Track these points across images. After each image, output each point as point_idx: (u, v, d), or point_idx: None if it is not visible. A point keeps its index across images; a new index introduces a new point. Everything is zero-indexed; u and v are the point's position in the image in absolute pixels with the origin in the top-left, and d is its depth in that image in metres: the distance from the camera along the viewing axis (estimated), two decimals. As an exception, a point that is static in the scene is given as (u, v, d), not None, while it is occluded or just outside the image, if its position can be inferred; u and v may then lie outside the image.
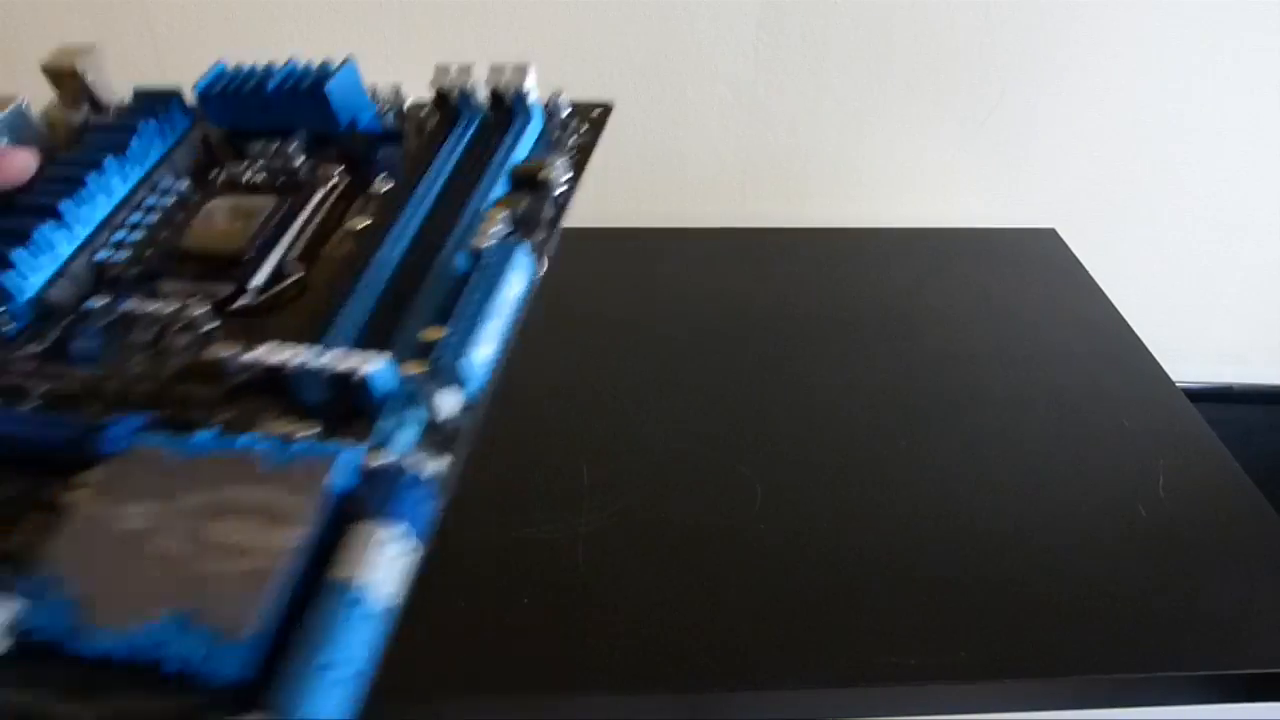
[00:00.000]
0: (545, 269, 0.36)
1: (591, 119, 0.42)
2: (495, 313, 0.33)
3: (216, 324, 0.36)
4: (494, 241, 0.36)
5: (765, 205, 0.89)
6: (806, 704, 0.55)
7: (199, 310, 0.36)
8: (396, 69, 0.44)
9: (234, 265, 0.37)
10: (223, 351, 0.32)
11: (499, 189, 0.38)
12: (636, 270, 0.85)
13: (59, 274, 0.37)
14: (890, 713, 0.55)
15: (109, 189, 0.38)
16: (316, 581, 0.26)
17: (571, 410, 0.69)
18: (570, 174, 0.39)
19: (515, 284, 0.34)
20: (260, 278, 0.37)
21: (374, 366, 0.31)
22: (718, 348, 0.78)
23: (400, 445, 0.30)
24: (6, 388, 0.35)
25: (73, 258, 0.37)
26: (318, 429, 0.31)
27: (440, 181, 0.38)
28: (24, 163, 0.37)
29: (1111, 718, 0.56)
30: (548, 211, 0.38)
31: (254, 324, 0.36)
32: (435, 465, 0.30)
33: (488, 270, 0.34)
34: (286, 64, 0.41)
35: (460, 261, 0.35)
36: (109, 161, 0.38)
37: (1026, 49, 0.81)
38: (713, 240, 0.85)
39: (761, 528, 0.61)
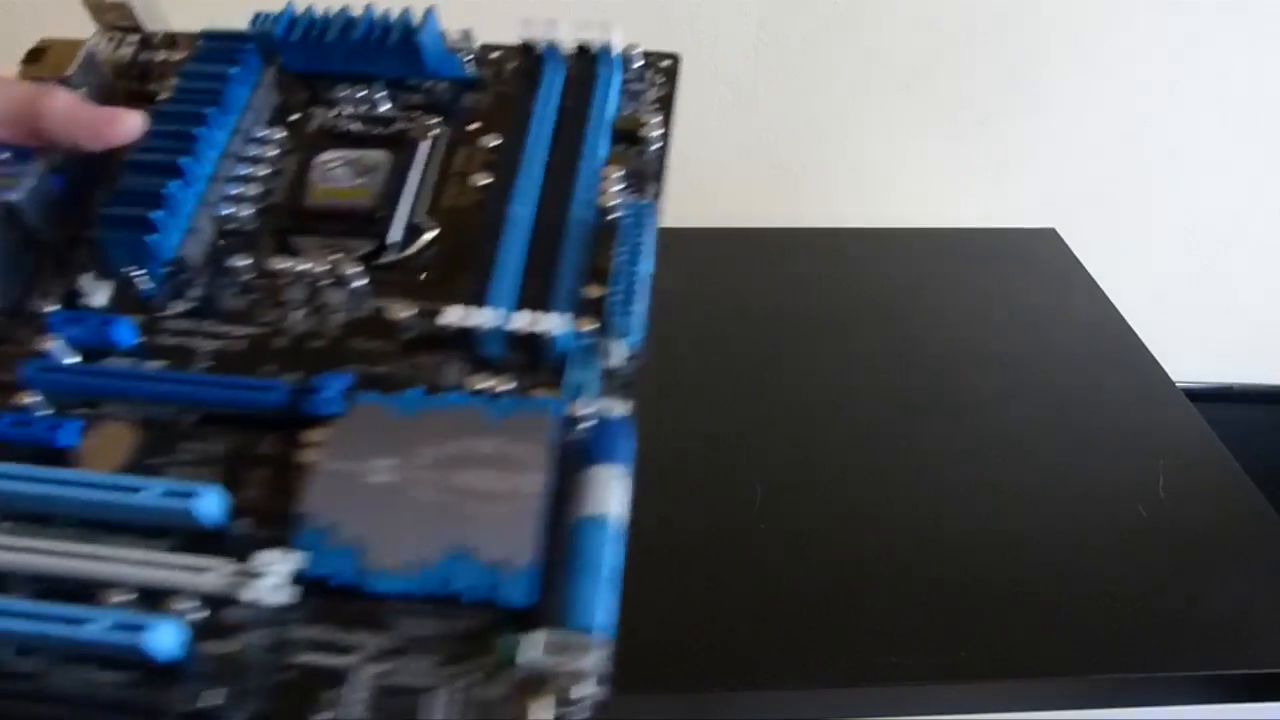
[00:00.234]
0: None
1: (664, 69, 0.45)
2: (645, 270, 0.36)
3: (364, 280, 0.38)
4: (619, 200, 0.39)
5: (765, 205, 0.90)
6: (806, 704, 0.56)
7: (350, 268, 0.38)
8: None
9: (369, 221, 0.39)
10: (403, 311, 0.37)
11: (603, 145, 0.41)
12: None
13: (187, 232, 0.38)
14: (890, 713, 0.56)
15: (214, 142, 0.40)
16: (558, 518, 0.32)
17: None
18: (662, 130, 0.42)
19: (651, 242, 0.37)
20: (396, 233, 0.39)
21: (560, 325, 0.35)
22: (717, 348, 0.80)
23: (590, 394, 0.34)
24: (170, 349, 0.37)
25: (195, 214, 0.39)
26: (513, 384, 0.35)
27: (545, 137, 0.41)
28: (135, 123, 0.39)
29: (1111, 718, 0.58)
30: (652, 165, 0.42)
31: (403, 280, 0.39)
32: (623, 409, 0.34)
33: (626, 229, 0.38)
34: (365, 11, 0.43)
35: (590, 218, 0.38)
36: (211, 113, 0.40)
37: (1027, 49, 0.83)
38: (713, 240, 0.87)
39: (761, 528, 0.63)
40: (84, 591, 0.30)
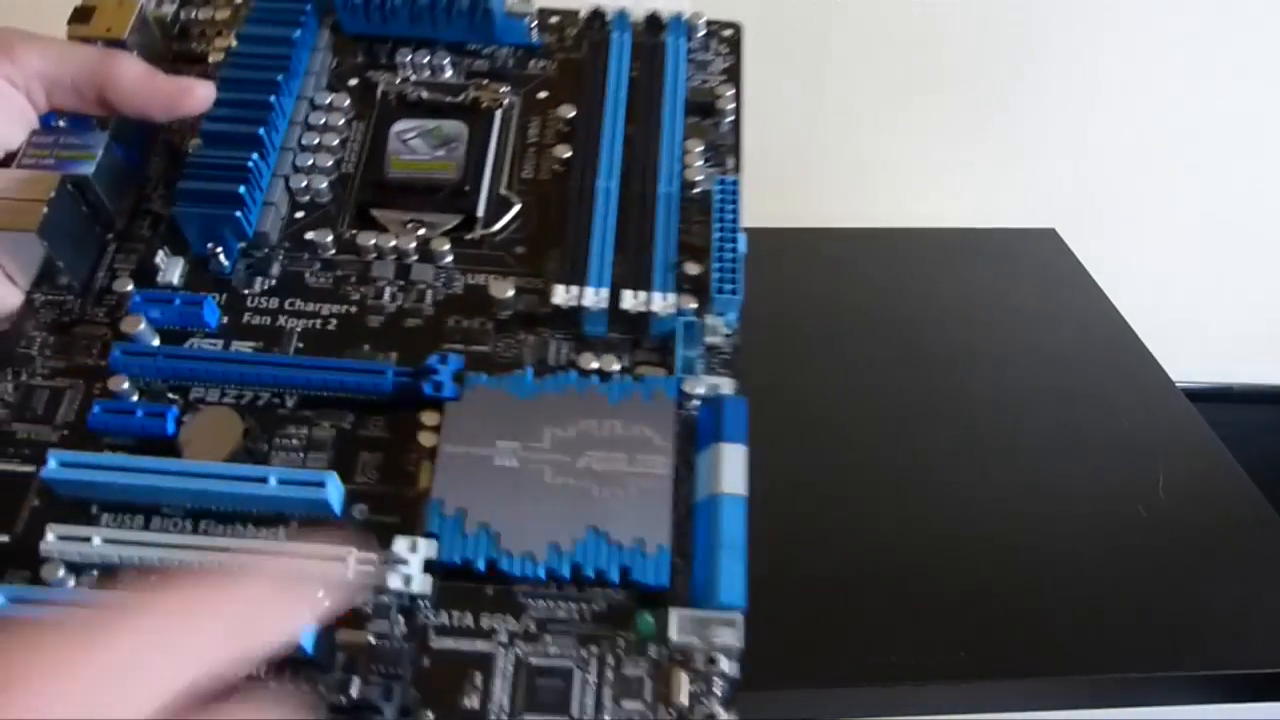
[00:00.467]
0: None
1: (727, 39, 0.46)
2: (739, 245, 0.38)
3: (450, 256, 0.39)
4: (701, 175, 0.41)
5: (765, 205, 0.91)
6: (806, 704, 0.57)
7: (439, 243, 0.39)
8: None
9: (456, 195, 0.39)
10: (505, 289, 0.37)
11: (679, 117, 0.42)
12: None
13: (263, 205, 0.39)
14: (890, 713, 0.57)
15: (285, 110, 0.40)
16: (684, 495, 0.33)
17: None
18: (735, 103, 0.43)
19: (739, 213, 0.39)
20: (481, 208, 0.40)
21: (667, 306, 0.36)
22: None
23: (698, 372, 0.36)
24: (256, 329, 0.37)
25: (270, 187, 0.39)
26: (620, 363, 0.36)
27: (621, 108, 0.42)
28: (208, 93, 0.38)
29: (1111, 718, 0.59)
30: (728, 138, 0.43)
31: (492, 255, 0.39)
32: (730, 384, 0.36)
33: (719, 205, 0.39)
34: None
35: (674, 193, 0.39)
36: (282, 80, 0.40)
37: (1027, 49, 0.84)
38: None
39: (761, 527, 0.63)
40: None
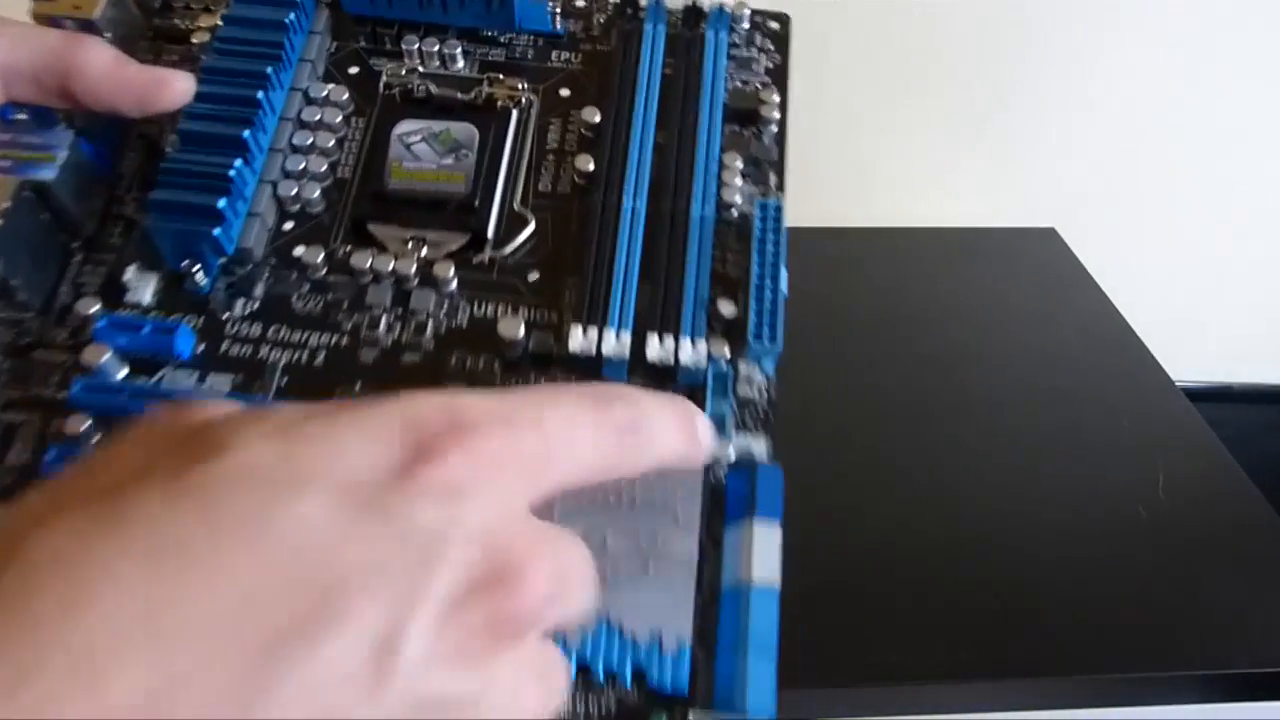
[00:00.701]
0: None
1: (773, 34, 0.39)
2: (781, 284, 0.31)
3: (455, 281, 0.32)
4: (740, 195, 0.34)
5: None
6: (806, 704, 0.53)
7: (444, 266, 0.32)
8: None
9: (464, 210, 0.33)
10: (512, 330, 0.31)
11: (717, 125, 0.35)
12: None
13: (248, 216, 0.32)
14: (890, 712, 0.54)
15: (274, 105, 0.33)
16: (710, 575, 0.28)
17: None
18: (780, 111, 0.36)
19: (784, 249, 0.32)
20: (492, 226, 0.33)
21: (697, 357, 0.30)
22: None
23: (728, 431, 0.30)
24: (236, 360, 0.31)
25: (255, 195, 0.32)
26: None
27: (652, 112, 0.35)
28: (185, 87, 0.32)
29: (1111, 718, 0.56)
30: (772, 152, 0.36)
31: (502, 281, 0.33)
32: (763, 445, 0.30)
33: (759, 235, 0.32)
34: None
35: (710, 216, 0.33)
36: (272, 72, 0.33)
37: (1026, 49, 0.80)
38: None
39: None
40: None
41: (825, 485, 0.63)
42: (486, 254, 0.33)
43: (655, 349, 0.30)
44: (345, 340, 0.31)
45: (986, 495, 0.63)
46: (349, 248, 0.32)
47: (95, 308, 0.30)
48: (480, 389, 0.24)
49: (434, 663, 0.19)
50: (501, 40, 0.37)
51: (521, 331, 0.30)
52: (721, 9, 0.37)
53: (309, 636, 0.18)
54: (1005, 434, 0.68)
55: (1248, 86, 0.82)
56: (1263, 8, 0.78)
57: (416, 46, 0.36)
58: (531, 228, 0.33)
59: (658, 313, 0.31)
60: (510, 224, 0.33)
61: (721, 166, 0.34)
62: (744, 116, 0.36)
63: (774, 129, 0.36)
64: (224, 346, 0.30)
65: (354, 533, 0.19)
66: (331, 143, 0.34)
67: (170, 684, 0.17)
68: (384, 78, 0.35)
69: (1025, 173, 0.87)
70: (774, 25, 0.38)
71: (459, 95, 0.35)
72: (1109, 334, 0.76)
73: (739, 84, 0.37)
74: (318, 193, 0.33)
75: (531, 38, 0.37)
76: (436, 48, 0.36)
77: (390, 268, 0.32)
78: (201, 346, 0.30)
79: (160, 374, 0.30)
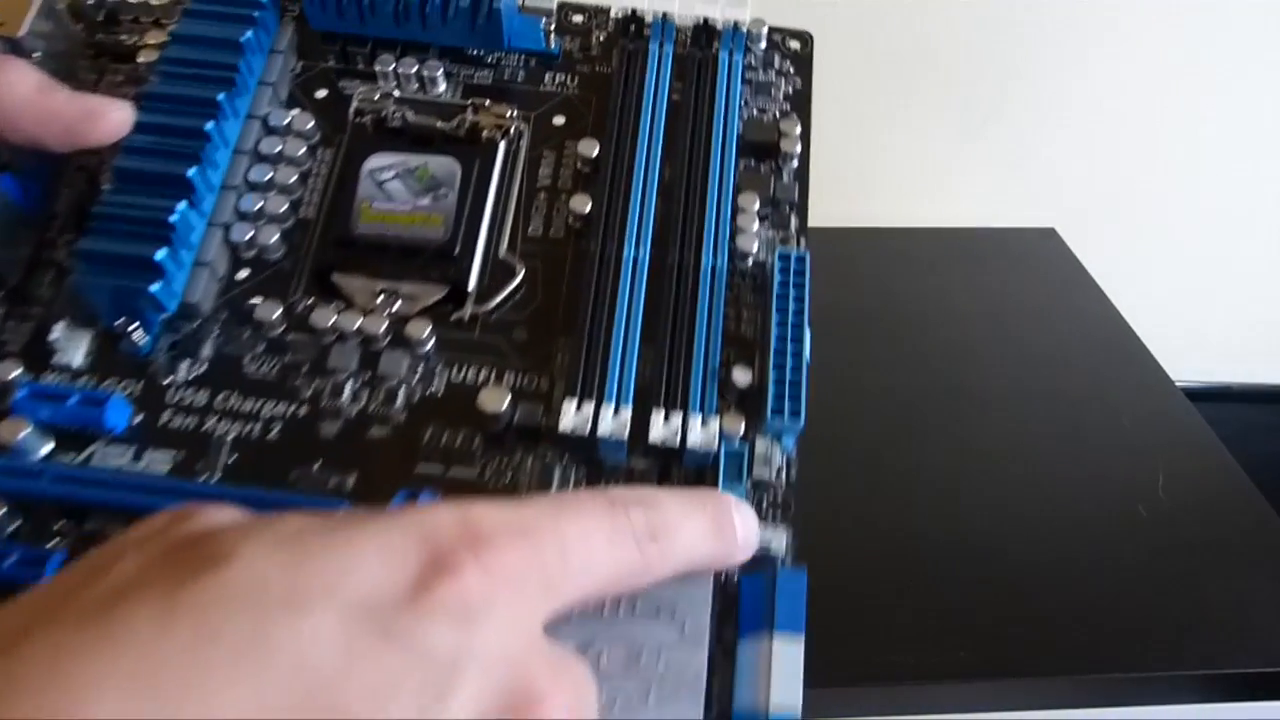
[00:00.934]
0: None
1: (794, 55, 0.32)
2: (804, 348, 0.26)
3: (431, 341, 0.26)
4: (758, 242, 0.28)
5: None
6: (806, 704, 0.46)
7: (418, 325, 0.26)
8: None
9: (442, 259, 0.27)
10: (495, 402, 0.25)
11: (731, 160, 0.29)
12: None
13: (194, 265, 0.26)
14: (890, 712, 0.50)
15: (227, 137, 0.27)
16: (721, 692, 0.22)
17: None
18: (802, 144, 0.30)
19: (807, 302, 0.26)
20: (474, 278, 0.27)
21: (707, 438, 0.24)
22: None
23: None
24: (177, 435, 0.25)
25: (204, 241, 0.26)
26: None
27: (657, 146, 0.29)
28: (121, 119, 0.26)
29: (1111, 717, 0.52)
30: (792, 192, 0.30)
31: (484, 341, 0.27)
32: (783, 538, 0.25)
33: (780, 291, 0.26)
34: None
35: (723, 266, 0.27)
36: (224, 100, 0.27)
37: (1027, 49, 0.75)
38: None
39: None
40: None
41: (824, 485, 0.59)
42: (467, 310, 0.27)
43: (659, 429, 0.24)
44: (304, 410, 0.25)
45: (986, 495, 0.60)
46: (310, 301, 0.26)
47: (16, 372, 0.24)
48: (492, 497, 0.20)
49: None
50: (488, 61, 0.31)
51: (506, 402, 0.25)
52: (736, 27, 0.31)
53: None
54: (1005, 434, 0.64)
55: (1248, 87, 0.78)
56: (1263, 8, 0.73)
57: (392, 67, 0.30)
58: (519, 279, 0.27)
59: (662, 385, 0.25)
60: (495, 275, 0.27)
61: (736, 209, 0.28)
62: (761, 150, 0.30)
63: (795, 164, 0.30)
64: (164, 418, 0.25)
65: (363, 655, 0.17)
66: (293, 178, 0.28)
67: None
68: (354, 103, 0.29)
69: (1025, 173, 0.84)
70: (794, 45, 0.32)
71: (439, 124, 0.29)
72: (1109, 334, 0.73)
73: (755, 112, 0.31)
74: (276, 237, 0.27)
75: (522, 58, 0.31)
76: (415, 69, 0.30)
77: (357, 325, 0.26)
78: (138, 417, 0.25)
79: (90, 450, 0.24)
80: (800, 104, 0.31)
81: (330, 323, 0.26)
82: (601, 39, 0.31)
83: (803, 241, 0.29)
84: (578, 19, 0.32)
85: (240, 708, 0.16)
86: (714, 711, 0.22)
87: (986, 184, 0.83)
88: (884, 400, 0.66)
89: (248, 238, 0.27)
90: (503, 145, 0.29)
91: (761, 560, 0.24)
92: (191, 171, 0.25)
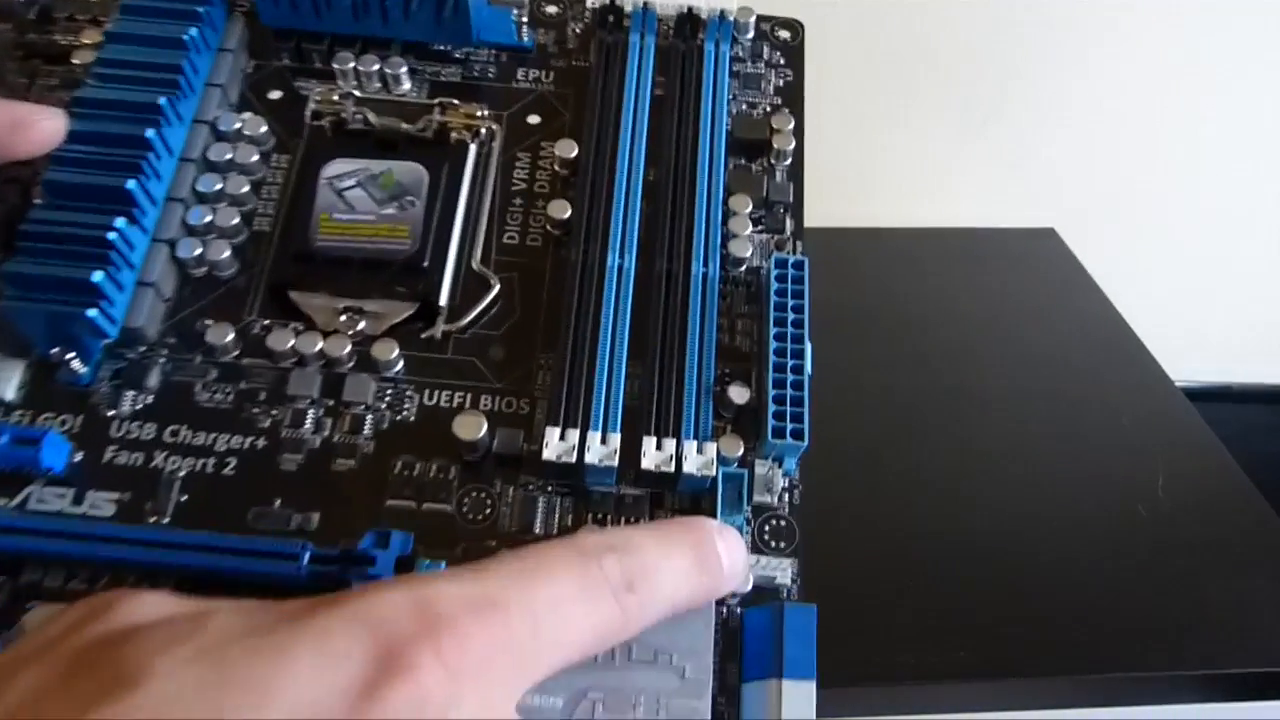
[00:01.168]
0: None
1: (784, 45, 0.29)
2: (805, 361, 0.23)
3: (400, 363, 0.24)
4: (751, 247, 0.25)
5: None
6: None
7: (385, 345, 0.23)
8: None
9: (409, 273, 0.24)
10: (471, 431, 0.22)
11: (721, 160, 0.26)
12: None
13: (137, 286, 0.23)
14: (890, 712, 0.49)
15: (171, 145, 0.24)
16: None
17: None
18: (795, 140, 0.27)
19: (806, 312, 0.24)
20: (445, 291, 0.24)
21: (703, 462, 0.22)
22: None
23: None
24: (120, 473, 0.22)
25: (147, 259, 0.23)
26: None
27: (640, 145, 0.26)
28: (52, 128, 0.23)
29: (1111, 717, 0.50)
30: (786, 192, 0.26)
31: (461, 362, 0.24)
32: (789, 569, 0.22)
33: (778, 300, 0.23)
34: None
35: (715, 274, 0.24)
36: (166, 105, 0.24)
37: (1027, 49, 0.72)
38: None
39: None
40: None
41: (823, 485, 0.58)
42: (438, 328, 0.24)
43: (652, 455, 0.22)
44: (262, 443, 0.23)
45: (986, 495, 0.58)
46: (267, 323, 0.24)
47: None
48: (452, 570, 0.18)
49: None
50: (456, 56, 0.28)
51: (483, 429, 0.22)
52: (722, 16, 0.28)
53: None
54: (1005, 434, 0.62)
55: (1248, 87, 0.77)
56: (1263, 8, 0.71)
57: (352, 65, 0.27)
58: (494, 292, 0.25)
59: (653, 407, 0.22)
60: (468, 288, 0.25)
61: (727, 212, 0.26)
62: (752, 148, 0.28)
63: (789, 162, 0.28)
64: (108, 455, 0.22)
65: None
66: (245, 188, 0.25)
67: None
68: (311, 104, 0.26)
69: (1025, 173, 0.82)
70: (784, 35, 0.30)
71: (403, 126, 0.26)
72: (1109, 334, 0.71)
73: (744, 107, 0.28)
74: (228, 253, 0.24)
75: (492, 53, 0.28)
76: (376, 67, 0.27)
77: (318, 348, 0.23)
78: (78, 456, 0.22)
79: (25, 493, 0.21)
80: (792, 97, 0.28)
81: (289, 345, 0.23)
82: (578, 31, 0.29)
83: (799, 245, 0.27)
84: (552, 10, 0.29)
85: None
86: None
87: (986, 184, 0.81)
88: (884, 400, 0.64)
89: (196, 254, 0.24)
90: (473, 148, 0.26)
91: (765, 591, 0.22)
92: (132, 183, 0.22)
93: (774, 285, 0.23)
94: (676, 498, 0.23)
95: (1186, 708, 0.49)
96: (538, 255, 0.25)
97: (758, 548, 0.22)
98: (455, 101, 0.26)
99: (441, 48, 0.28)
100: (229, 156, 0.25)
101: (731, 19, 0.28)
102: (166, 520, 0.21)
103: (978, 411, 0.64)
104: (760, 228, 0.26)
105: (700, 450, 0.22)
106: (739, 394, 0.23)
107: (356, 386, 0.23)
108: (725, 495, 0.22)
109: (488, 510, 0.22)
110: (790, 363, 0.23)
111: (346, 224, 0.24)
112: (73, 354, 0.22)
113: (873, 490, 0.57)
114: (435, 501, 0.22)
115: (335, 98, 0.26)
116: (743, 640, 0.21)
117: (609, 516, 0.22)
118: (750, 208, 0.26)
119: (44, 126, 0.22)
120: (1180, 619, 0.51)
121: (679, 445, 0.22)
